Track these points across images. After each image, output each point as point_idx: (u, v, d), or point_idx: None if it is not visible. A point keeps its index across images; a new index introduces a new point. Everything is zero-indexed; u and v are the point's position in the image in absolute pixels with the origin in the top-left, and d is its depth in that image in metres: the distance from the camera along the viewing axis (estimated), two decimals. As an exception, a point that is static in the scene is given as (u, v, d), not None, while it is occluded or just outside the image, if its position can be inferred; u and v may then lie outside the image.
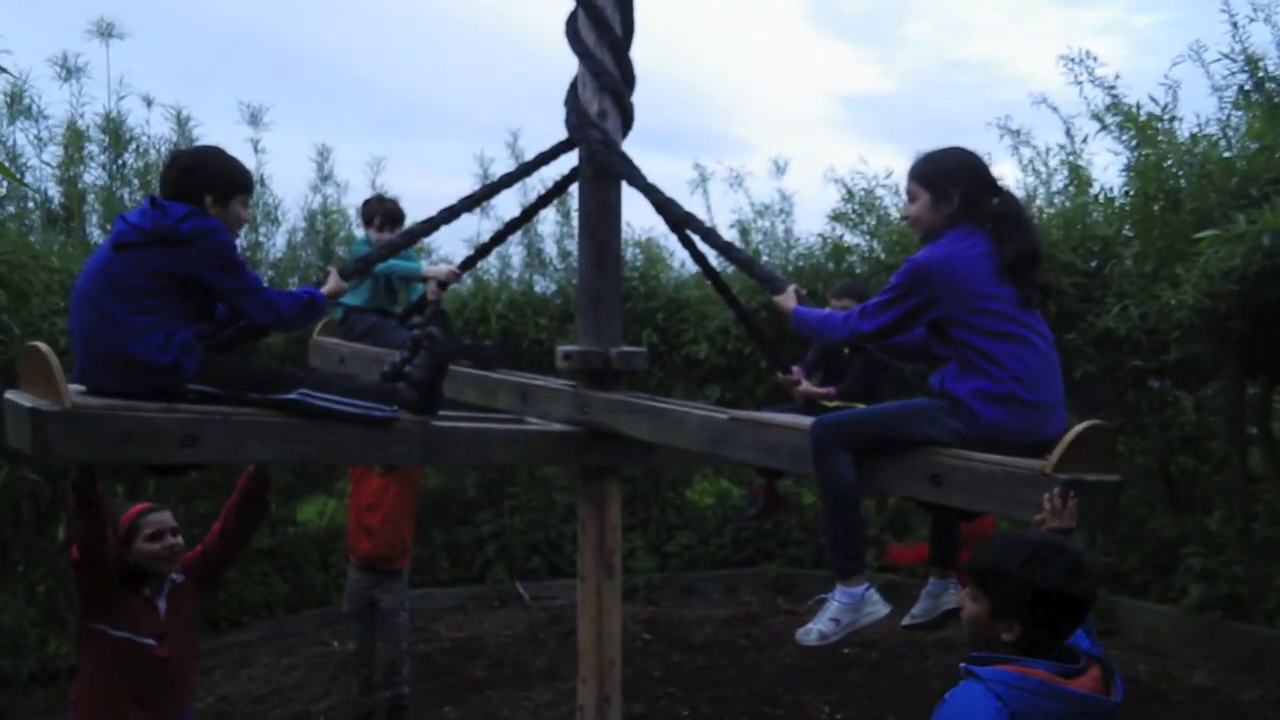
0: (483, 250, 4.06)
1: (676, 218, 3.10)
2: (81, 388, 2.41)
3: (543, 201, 3.76)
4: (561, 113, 3.27)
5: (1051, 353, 2.34)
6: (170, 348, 2.38)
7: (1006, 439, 2.25)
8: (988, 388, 2.26)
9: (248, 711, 5.16)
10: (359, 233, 4.98)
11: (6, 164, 6.09)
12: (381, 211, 4.38)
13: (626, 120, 3.28)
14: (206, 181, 2.50)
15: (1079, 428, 2.13)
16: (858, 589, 2.43)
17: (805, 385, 3.59)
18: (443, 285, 4.02)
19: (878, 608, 2.45)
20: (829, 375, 3.93)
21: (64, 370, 2.31)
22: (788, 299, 2.73)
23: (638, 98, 3.29)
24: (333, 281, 2.88)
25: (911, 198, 2.48)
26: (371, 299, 4.31)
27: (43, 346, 2.32)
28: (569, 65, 3.29)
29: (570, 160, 3.34)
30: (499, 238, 4.02)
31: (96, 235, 6.43)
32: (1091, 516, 2.17)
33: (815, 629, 2.45)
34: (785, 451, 2.60)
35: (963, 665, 1.79)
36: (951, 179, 2.39)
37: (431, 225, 3.27)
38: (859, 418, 2.48)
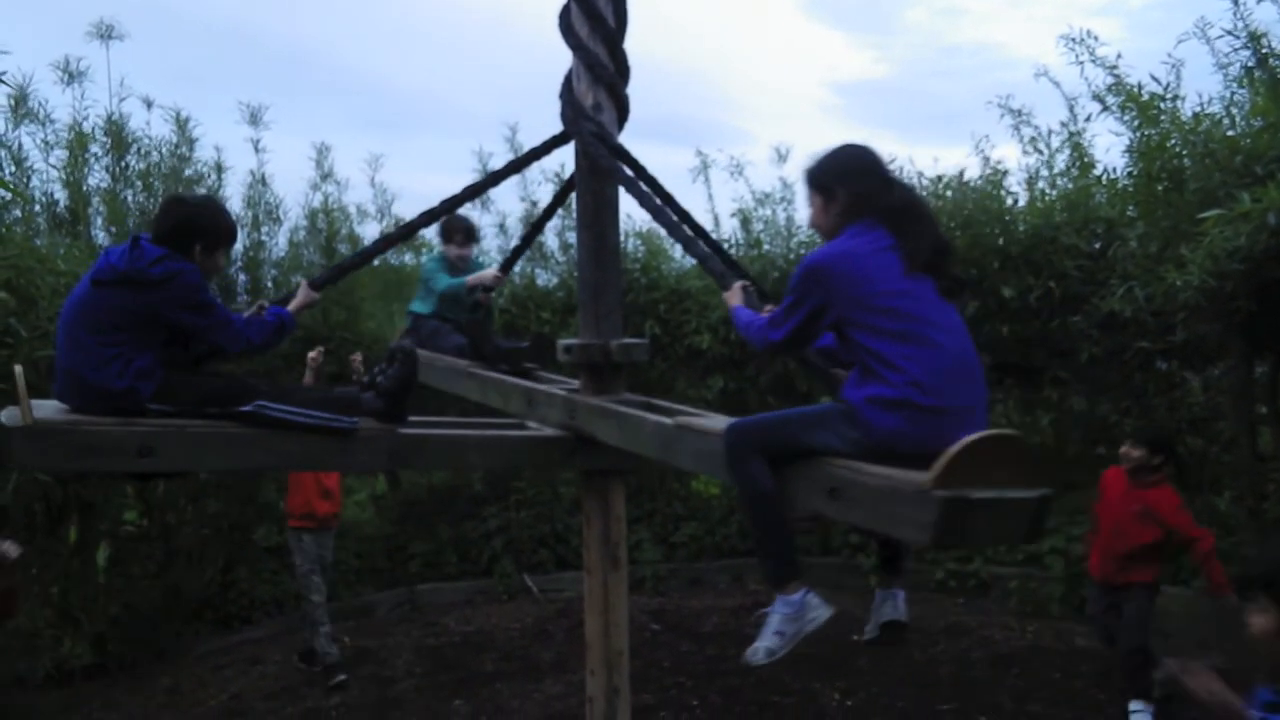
0: (518, 251, 4.30)
1: (652, 210, 3.04)
2: (65, 406, 2.62)
3: (564, 193, 3.75)
4: (558, 106, 3.26)
5: (964, 353, 2.16)
6: (126, 374, 2.55)
7: (904, 449, 2.05)
8: (883, 393, 2.11)
9: (260, 709, 5.20)
10: (430, 251, 5.11)
11: (13, 168, 6.12)
12: (461, 229, 4.60)
13: (622, 112, 3.26)
14: (199, 231, 2.68)
15: (972, 438, 1.91)
16: (796, 596, 2.31)
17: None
18: (488, 289, 4.22)
19: (820, 612, 2.32)
20: None
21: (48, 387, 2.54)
22: (731, 295, 2.65)
23: (634, 89, 3.28)
24: (302, 294, 3.03)
25: (809, 203, 2.40)
26: (435, 306, 4.46)
27: (16, 368, 2.53)
28: (566, 58, 3.29)
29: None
30: (532, 235, 4.21)
31: (101, 238, 6.46)
32: (994, 535, 1.99)
33: (762, 646, 2.32)
34: (720, 460, 2.39)
35: (1257, 713, 1.57)
36: (835, 177, 2.32)
37: (429, 218, 3.28)
38: (770, 421, 2.36)
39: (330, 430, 2.73)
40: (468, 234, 4.60)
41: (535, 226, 4.19)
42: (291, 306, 2.95)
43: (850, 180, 2.30)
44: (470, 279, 4.32)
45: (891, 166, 2.33)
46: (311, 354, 5.36)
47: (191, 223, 2.67)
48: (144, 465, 2.55)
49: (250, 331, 2.73)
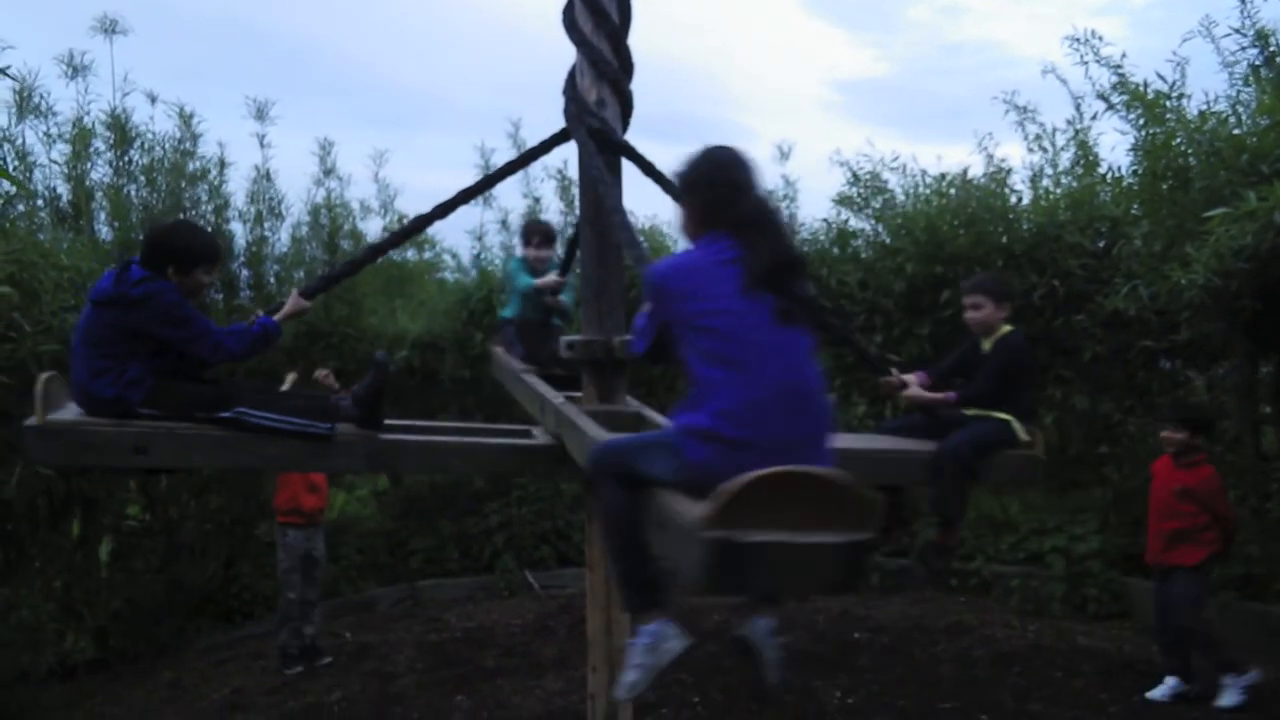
0: (570, 254, 4.33)
1: (616, 209, 2.99)
2: (80, 410, 2.86)
3: None
4: (562, 102, 3.25)
5: (794, 382, 2.00)
6: (117, 384, 2.78)
7: (716, 485, 1.81)
8: (696, 423, 1.99)
9: (262, 703, 5.21)
10: (516, 251, 5.14)
11: (16, 162, 6.13)
12: (539, 232, 4.68)
13: (626, 108, 3.26)
14: (171, 254, 2.86)
15: (757, 473, 1.70)
16: (653, 626, 2.22)
17: (913, 390, 3.19)
18: (554, 292, 4.34)
19: (674, 643, 2.24)
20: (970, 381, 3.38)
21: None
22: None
23: (638, 85, 3.28)
24: (291, 303, 3.18)
25: (678, 209, 2.33)
26: (520, 309, 4.52)
27: (41, 376, 2.77)
28: (569, 54, 3.28)
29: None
30: (578, 236, 4.17)
31: (105, 233, 6.47)
32: (786, 584, 1.81)
33: (626, 680, 2.27)
34: None
35: None
36: (689, 185, 2.21)
37: (423, 222, 3.28)
38: (621, 445, 2.26)
39: (306, 435, 2.86)
40: (545, 236, 4.62)
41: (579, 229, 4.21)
42: (279, 315, 3.11)
43: (700, 188, 2.18)
44: (538, 282, 4.41)
45: (754, 173, 2.18)
46: (318, 371, 5.36)
47: (163, 246, 2.88)
48: (139, 462, 2.80)
49: (231, 342, 2.91)
